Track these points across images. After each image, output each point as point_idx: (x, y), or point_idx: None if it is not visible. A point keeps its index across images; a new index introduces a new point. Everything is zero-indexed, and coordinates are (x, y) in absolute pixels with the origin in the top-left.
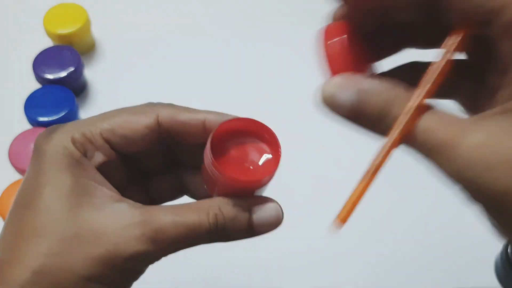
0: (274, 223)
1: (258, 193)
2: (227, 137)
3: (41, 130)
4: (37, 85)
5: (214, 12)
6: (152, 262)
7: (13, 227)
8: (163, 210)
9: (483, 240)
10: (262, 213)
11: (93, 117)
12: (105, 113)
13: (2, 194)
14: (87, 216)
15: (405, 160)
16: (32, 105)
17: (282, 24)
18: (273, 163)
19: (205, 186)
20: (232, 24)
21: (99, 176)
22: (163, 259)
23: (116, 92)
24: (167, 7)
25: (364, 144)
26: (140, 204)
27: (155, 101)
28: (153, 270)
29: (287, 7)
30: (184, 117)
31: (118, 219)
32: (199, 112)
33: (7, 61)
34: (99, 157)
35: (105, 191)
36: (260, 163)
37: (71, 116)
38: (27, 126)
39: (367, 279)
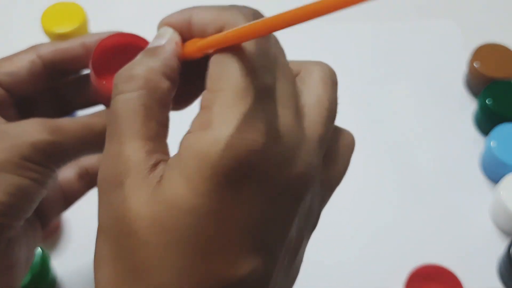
0: None
1: None
2: (110, 55)
3: None
4: None
5: None
6: (59, 157)
7: None
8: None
9: (486, 240)
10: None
11: None
12: None
13: None
14: None
15: (404, 163)
16: None
17: None
18: None
19: None
20: None
21: None
22: None
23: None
24: (166, 7)
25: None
26: None
27: None
28: None
29: (282, 7)
30: (62, 45)
31: (16, 125)
32: (78, 38)
33: None
34: None
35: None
36: None
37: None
38: None
39: (366, 279)
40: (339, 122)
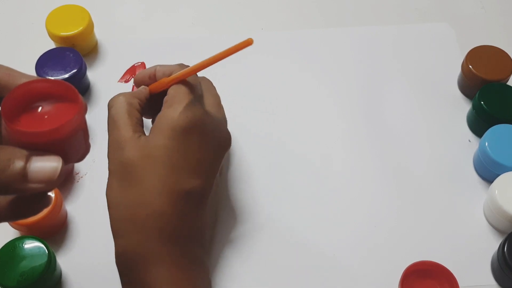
0: (48, 176)
1: (69, 148)
2: (28, 99)
3: None
4: None
5: (214, 13)
6: None
7: None
8: None
9: (481, 238)
10: (38, 163)
11: None
12: None
13: None
14: None
15: (399, 163)
16: None
17: (276, 26)
18: (69, 116)
19: None
20: (230, 25)
21: None
22: None
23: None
24: (169, 9)
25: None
26: None
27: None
28: None
29: (281, 9)
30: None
31: None
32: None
33: (9, 63)
34: None
35: None
36: (59, 118)
37: None
38: None
39: (363, 275)
40: (336, 124)
